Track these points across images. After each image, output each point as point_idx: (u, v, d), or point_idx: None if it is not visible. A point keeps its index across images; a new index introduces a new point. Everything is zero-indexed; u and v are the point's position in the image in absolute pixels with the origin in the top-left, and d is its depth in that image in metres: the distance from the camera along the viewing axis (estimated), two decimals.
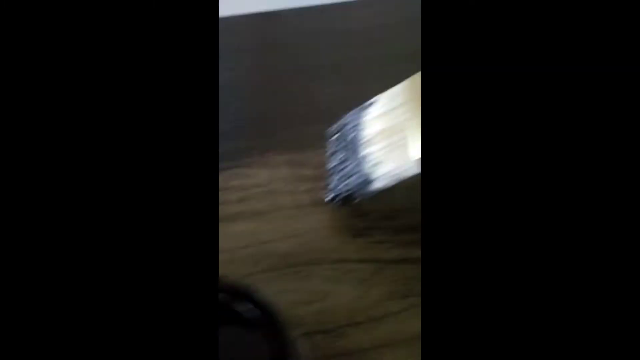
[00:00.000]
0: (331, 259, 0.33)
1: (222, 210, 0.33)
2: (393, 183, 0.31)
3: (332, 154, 0.35)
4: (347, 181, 0.33)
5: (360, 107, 0.35)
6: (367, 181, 0.32)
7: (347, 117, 0.36)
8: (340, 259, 0.33)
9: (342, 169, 0.33)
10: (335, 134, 0.36)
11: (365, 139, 0.33)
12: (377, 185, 0.32)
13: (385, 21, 0.49)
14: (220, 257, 0.32)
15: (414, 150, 0.30)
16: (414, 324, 0.31)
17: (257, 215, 0.35)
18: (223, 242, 0.33)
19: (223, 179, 0.36)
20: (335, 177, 0.34)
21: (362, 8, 0.49)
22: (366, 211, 0.35)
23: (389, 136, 0.32)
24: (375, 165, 0.32)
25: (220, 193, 0.34)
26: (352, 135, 0.34)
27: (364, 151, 0.33)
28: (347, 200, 0.33)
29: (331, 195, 0.34)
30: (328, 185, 0.34)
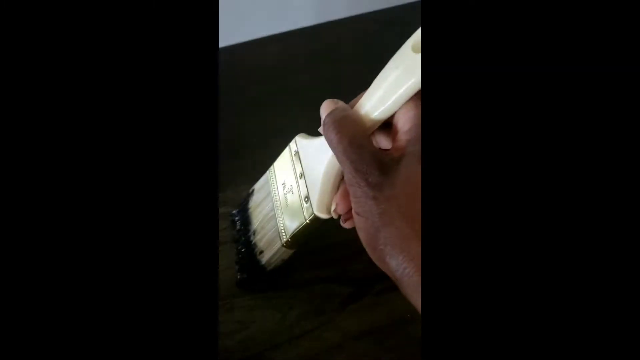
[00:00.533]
0: (252, 290, 0.37)
1: None
2: (279, 265, 0.35)
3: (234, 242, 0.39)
4: (245, 270, 0.36)
5: (246, 195, 0.39)
6: (259, 268, 0.35)
7: (239, 208, 0.39)
8: (260, 289, 0.37)
9: (240, 259, 0.37)
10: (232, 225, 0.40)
11: (250, 229, 0.37)
12: (268, 269, 0.35)
13: (294, 55, 0.51)
14: None
15: (284, 236, 0.33)
16: (330, 337, 0.35)
17: None
18: None
19: None
20: (237, 266, 0.37)
21: (271, 44, 0.52)
22: None
23: (264, 224, 0.35)
24: (261, 253, 0.35)
25: None
26: (241, 226, 0.38)
27: (252, 240, 0.36)
28: (251, 286, 0.37)
29: (239, 282, 0.37)
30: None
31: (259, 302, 0.36)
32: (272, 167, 0.36)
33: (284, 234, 0.33)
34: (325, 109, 0.29)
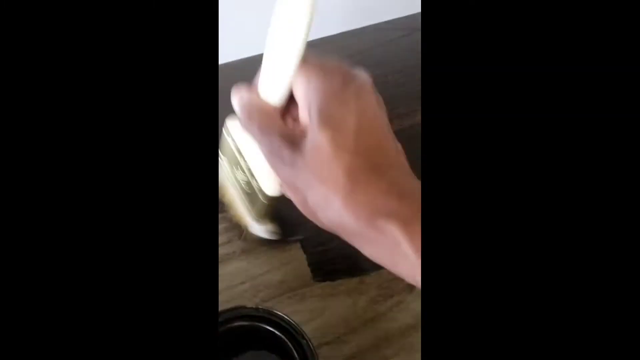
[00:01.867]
0: (319, 279, 0.38)
1: None
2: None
3: None
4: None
5: None
6: None
7: None
8: (327, 277, 0.38)
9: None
10: None
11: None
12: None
13: None
14: (221, 296, 0.36)
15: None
16: (402, 317, 0.36)
17: (247, 253, 0.39)
18: (221, 282, 0.37)
19: None
20: None
21: None
22: None
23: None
24: None
25: None
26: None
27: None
28: None
29: None
30: None
31: (329, 290, 0.37)
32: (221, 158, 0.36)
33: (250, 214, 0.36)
34: (233, 97, 0.30)
